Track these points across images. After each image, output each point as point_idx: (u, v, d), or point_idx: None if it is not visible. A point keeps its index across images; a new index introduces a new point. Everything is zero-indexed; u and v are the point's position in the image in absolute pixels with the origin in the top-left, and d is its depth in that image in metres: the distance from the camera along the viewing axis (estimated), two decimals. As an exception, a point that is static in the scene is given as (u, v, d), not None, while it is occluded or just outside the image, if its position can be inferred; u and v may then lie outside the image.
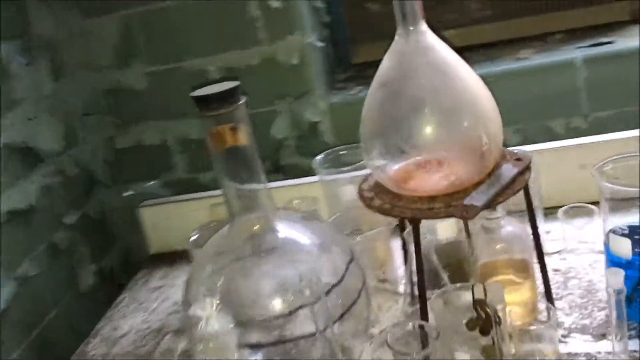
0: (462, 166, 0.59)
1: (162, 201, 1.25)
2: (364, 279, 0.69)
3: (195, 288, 0.66)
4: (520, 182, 0.60)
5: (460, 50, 0.63)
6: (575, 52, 1.15)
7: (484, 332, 0.59)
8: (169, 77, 1.26)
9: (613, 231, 0.68)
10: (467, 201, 0.58)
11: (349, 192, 0.90)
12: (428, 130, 0.60)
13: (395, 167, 0.62)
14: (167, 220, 1.21)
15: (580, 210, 0.83)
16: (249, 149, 0.65)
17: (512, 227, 0.71)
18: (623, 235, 0.65)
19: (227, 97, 0.62)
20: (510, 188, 0.60)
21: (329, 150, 1.00)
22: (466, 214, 0.57)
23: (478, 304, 0.59)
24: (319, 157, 0.98)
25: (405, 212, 0.60)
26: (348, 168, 0.88)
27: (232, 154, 0.65)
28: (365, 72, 1.33)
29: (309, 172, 1.13)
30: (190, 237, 0.89)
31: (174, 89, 1.27)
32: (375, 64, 1.34)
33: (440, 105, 0.59)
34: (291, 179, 1.19)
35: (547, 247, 0.83)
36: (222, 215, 0.93)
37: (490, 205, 0.59)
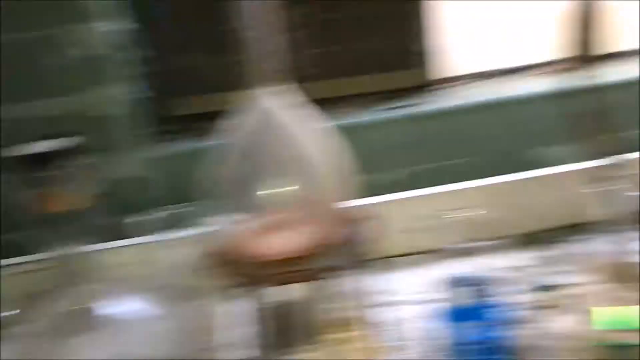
0: (310, 226, 0.59)
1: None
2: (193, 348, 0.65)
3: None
4: (367, 242, 0.62)
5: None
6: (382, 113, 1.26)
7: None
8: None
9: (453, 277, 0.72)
10: (321, 263, 0.58)
11: (173, 255, 0.86)
12: (280, 188, 0.60)
13: (245, 227, 0.61)
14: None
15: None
16: (76, 213, 0.59)
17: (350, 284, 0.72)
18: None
19: (53, 157, 0.55)
20: (356, 250, 0.61)
21: (151, 210, 0.95)
22: (317, 277, 0.57)
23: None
24: (143, 216, 0.93)
25: (257, 278, 0.59)
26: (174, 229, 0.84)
27: (58, 219, 0.58)
28: (185, 124, 1.31)
29: (128, 233, 1.06)
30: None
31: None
32: (196, 116, 1.32)
33: (300, 163, 0.59)
34: (110, 240, 1.10)
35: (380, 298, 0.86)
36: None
37: (340, 270, 0.60)
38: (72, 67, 1.11)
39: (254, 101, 0.61)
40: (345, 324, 0.73)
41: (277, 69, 0.59)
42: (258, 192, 0.60)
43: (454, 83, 1.41)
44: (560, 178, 1.12)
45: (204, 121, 1.31)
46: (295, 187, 0.61)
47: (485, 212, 0.82)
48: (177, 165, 1.17)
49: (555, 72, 1.40)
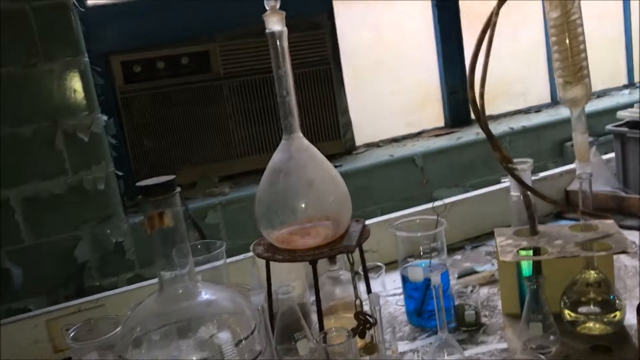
0: (330, 227, 0.87)
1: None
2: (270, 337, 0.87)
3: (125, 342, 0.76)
4: (366, 233, 0.91)
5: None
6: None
7: (362, 334, 0.84)
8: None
9: (408, 265, 1.03)
10: (346, 243, 0.85)
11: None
12: (310, 203, 0.86)
13: (281, 233, 0.87)
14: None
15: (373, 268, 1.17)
16: (177, 231, 0.81)
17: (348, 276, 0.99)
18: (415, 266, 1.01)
19: (162, 187, 0.78)
20: (362, 236, 0.89)
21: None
22: (349, 249, 0.84)
23: (358, 314, 0.85)
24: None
25: (306, 257, 0.84)
26: (201, 259, 1.07)
27: (162, 234, 0.80)
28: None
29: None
30: (67, 335, 0.93)
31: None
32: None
33: (320, 184, 0.86)
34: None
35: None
36: (56, 332, 1.01)
37: (358, 245, 0.88)
38: (72, 149, 1.31)
39: (297, 143, 0.88)
40: (344, 307, 1.00)
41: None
42: (295, 205, 0.86)
43: (364, 149, 1.77)
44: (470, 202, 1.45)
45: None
46: (324, 200, 0.87)
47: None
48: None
49: (436, 135, 1.81)
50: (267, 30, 0.84)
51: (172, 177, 0.82)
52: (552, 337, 0.88)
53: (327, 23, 1.66)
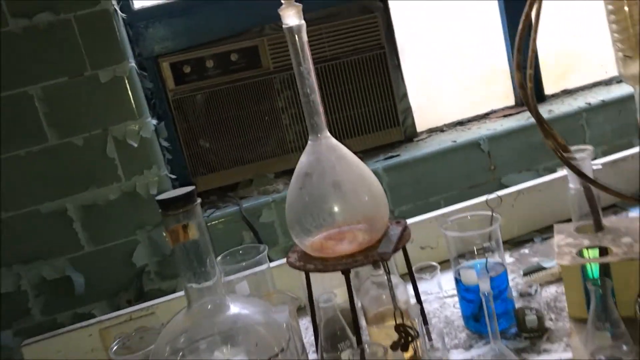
0: (366, 231, 0.81)
1: (45, 336, 1.22)
2: (304, 351, 0.83)
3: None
4: (406, 236, 0.84)
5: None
6: (376, 165, 1.50)
7: (405, 347, 0.78)
8: (26, 221, 1.30)
9: (462, 267, 0.95)
10: (380, 250, 0.79)
11: (245, 288, 1.05)
12: (342, 206, 0.81)
13: (314, 239, 0.81)
14: (55, 353, 1.18)
15: (427, 268, 1.09)
16: (201, 243, 0.78)
17: (394, 281, 0.93)
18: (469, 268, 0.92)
19: (182, 200, 0.76)
20: (402, 240, 0.83)
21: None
22: (384, 257, 0.78)
23: (399, 326, 0.79)
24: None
25: (337, 266, 0.79)
26: (244, 264, 1.04)
27: (187, 247, 0.77)
28: (208, 198, 1.52)
29: (172, 293, 1.23)
30: (111, 348, 0.94)
31: (30, 232, 1.30)
32: (214, 191, 1.54)
33: (351, 186, 0.81)
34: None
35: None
36: (109, 340, 1.01)
37: (396, 251, 0.82)
38: (123, 155, 1.32)
39: (325, 143, 0.82)
40: (391, 313, 0.93)
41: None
42: (329, 208, 0.81)
43: (426, 135, 1.67)
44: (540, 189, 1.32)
45: (219, 194, 1.53)
46: (359, 202, 0.81)
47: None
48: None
49: (504, 116, 1.69)
50: (284, 26, 0.78)
51: (192, 187, 0.79)
52: (624, 347, 0.78)
53: (379, 5, 1.58)
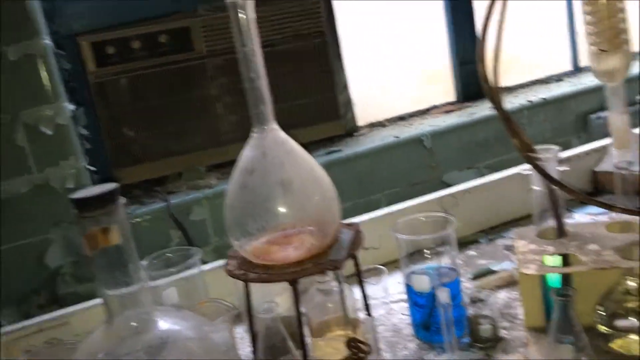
0: (315, 236, 0.73)
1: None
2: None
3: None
4: (359, 241, 0.77)
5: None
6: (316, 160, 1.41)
7: (358, 364, 0.71)
8: None
9: (413, 272, 0.88)
10: (331, 257, 0.71)
11: (173, 296, 0.94)
12: (290, 207, 0.73)
13: (257, 243, 0.73)
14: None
15: (372, 271, 1.02)
16: (124, 249, 0.67)
17: (339, 288, 0.85)
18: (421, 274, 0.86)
19: (103, 199, 0.65)
20: (354, 246, 0.75)
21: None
22: (337, 266, 0.70)
23: (350, 342, 0.71)
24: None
25: (284, 276, 0.70)
26: (174, 270, 0.93)
27: (107, 254, 0.66)
28: (132, 192, 1.39)
29: (90, 298, 1.11)
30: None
31: None
32: (139, 184, 1.41)
33: (301, 184, 0.72)
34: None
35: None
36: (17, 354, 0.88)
37: (348, 258, 0.74)
38: (36, 145, 1.18)
39: (271, 136, 0.73)
40: (336, 323, 0.85)
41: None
42: (274, 209, 0.72)
43: (367, 129, 1.61)
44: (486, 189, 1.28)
45: (144, 188, 1.41)
46: (308, 202, 0.73)
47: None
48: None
49: (446, 112, 1.65)
50: (227, 0, 0.68)
51: (114, 185, 0.68)
52: (585, 361, 0.73)
53: (320, -10, 1.50)
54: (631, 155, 0.69)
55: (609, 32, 0.65)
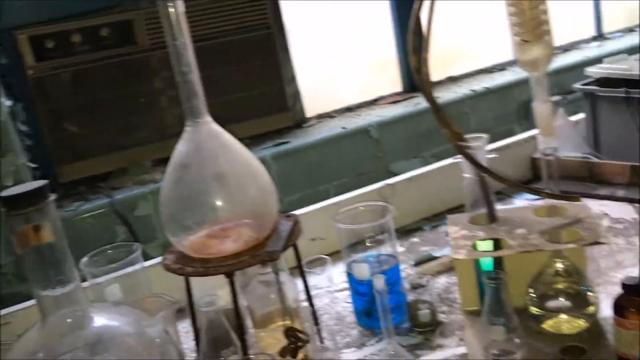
0: (253, 228, 0.73)
1: None
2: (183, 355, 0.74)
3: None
4: (297, 232, 0.77)
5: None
6: (264, 152, 1.42)
7: (294, 354, 0.71)
8: None
9: (354, 261, 0.90)
10: (269, 249, 0.72)
11: (116, 292, 0.94)
12: (226, 201, 0.73)
13: (195, 238, 0.73)
14: None
15: (317, 261, 1.03)
16: (56, 246, 0.66)
17: (282, 279, 0.86)
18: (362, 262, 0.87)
19: (33, 196, 0.64)
20: (292, 237, 0.76)
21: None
22: (273, 257, 0.71)
23: (288, 331, 0.72)
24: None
25: (220, 269, 0.71)
26: (114, 266, 0.92)
27: (38, 252, 0.65)
28: (75, 189, 1.37)
29: (32, 298, 1.09)
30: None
31: None
32: (83, 181, 1.38)
33: (236, 178, 0.72)
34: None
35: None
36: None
37: (286, 249, 0.74)
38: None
39: (205, 130, 0.73)
40: (279, 313, 0.86)
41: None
42: (210, 203, 0.72)
43: (315, 121, 1.62)
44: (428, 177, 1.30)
45: (89, 185, 1.38)
46: (244, 195, 0.73)
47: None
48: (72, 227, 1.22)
49: (392, 102, 1.67)
50: (155, -7, 0.68)
51: (44, 182, 0.67)
52: (516, 341, 0.76)
53: (265, -18, 1.49)
54: (554, 141, 0.72)
55: (530, 23, 0.67)
